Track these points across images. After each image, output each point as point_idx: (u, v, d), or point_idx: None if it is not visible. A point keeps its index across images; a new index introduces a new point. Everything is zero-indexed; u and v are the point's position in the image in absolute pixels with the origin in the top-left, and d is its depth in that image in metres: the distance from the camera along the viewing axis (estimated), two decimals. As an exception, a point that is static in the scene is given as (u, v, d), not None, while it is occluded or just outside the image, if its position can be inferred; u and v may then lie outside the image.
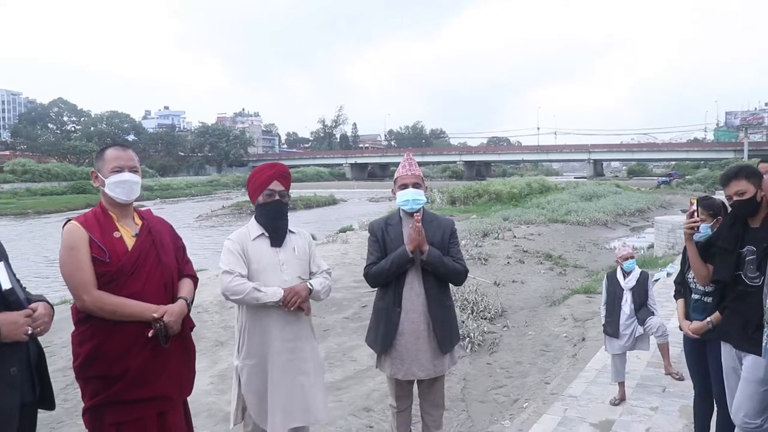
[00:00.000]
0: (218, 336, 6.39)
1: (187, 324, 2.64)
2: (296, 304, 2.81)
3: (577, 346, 5.99)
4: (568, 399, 4.39)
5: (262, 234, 2.93)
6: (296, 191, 46.02)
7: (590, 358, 5.34)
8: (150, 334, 2.42)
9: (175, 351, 2.54)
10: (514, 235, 14.45)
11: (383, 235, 3.22)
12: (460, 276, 3.21)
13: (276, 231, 2.93)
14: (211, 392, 4.90)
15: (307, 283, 2.89)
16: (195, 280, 2.76)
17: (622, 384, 4.33)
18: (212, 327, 6.76)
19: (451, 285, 3.29)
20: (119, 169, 2.53)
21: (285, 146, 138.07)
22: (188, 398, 4.49)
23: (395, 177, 3.26)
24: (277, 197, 2.91)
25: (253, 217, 3.02)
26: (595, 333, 6.08)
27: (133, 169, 2.58)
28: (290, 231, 3.02)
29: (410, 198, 3.15)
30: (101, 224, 2.49)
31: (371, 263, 3.20)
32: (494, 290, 8.76)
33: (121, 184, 2.53)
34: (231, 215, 29.14)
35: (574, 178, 65.68)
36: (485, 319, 7.03)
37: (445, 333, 3.17)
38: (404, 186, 3.18)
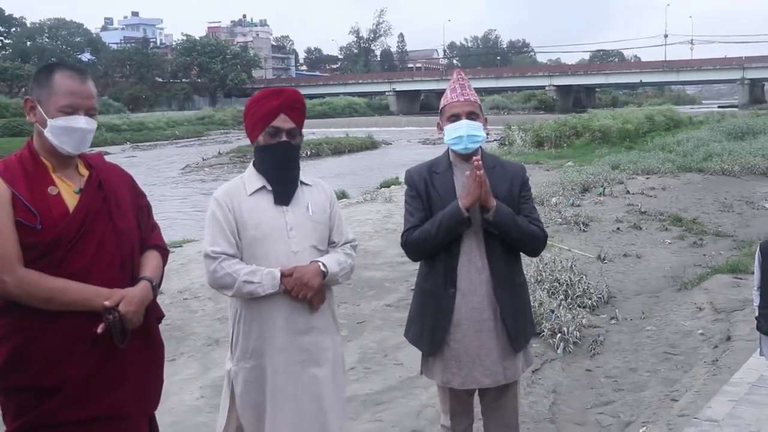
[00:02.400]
0: (212, 332, 6.53)
1: (152, 315, 2.65)
2: (304, 297, 2.84)
3: (718, 349, 5.92)
4: (705, 424, 4.32)
5: (263, 187, 2.94)
6: (321, 131, 46.60)
7: (739, 365, 5.25)
8: (99, 330, 2.42)
9: (135, 353, 2.55)
10: (626, 190, 14.40)
11: (427, 188, 3.22)
12: (538, 242, 3.23)
13: (282, 183, 2.95)
14: (203, 409, 4.98)
15: (320, 264, 2.88)
16: (164, 254, 2.77)
17: None
18: (204, 319, 6.89)
19: (523, 256, 3.31)
20: (72, 110, 2.48)
21: (304, 68, 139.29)
22: (171, 419, 4.53)
23: (442, 105, 3.25)
24: (284, 137, 2.91)
25: (251, 163, 3.04)
26: (747, 330, 5.97)
27: (90, 112, 2.54)
28: (303, 183, 3.03)
29: (464, 134, 3.12)
30: (30, 176, 2.46)
31: (412, 227, 3.21)
32: (597, 267, 8.75)
33: (71, 133, 2.48)
34: (231, 164, 29.69)
35: (719, 107, 64.33)
36: (584, 307, 7.06)
37: (518, 323, 3.18)
38: (455, 117, 3.16)
